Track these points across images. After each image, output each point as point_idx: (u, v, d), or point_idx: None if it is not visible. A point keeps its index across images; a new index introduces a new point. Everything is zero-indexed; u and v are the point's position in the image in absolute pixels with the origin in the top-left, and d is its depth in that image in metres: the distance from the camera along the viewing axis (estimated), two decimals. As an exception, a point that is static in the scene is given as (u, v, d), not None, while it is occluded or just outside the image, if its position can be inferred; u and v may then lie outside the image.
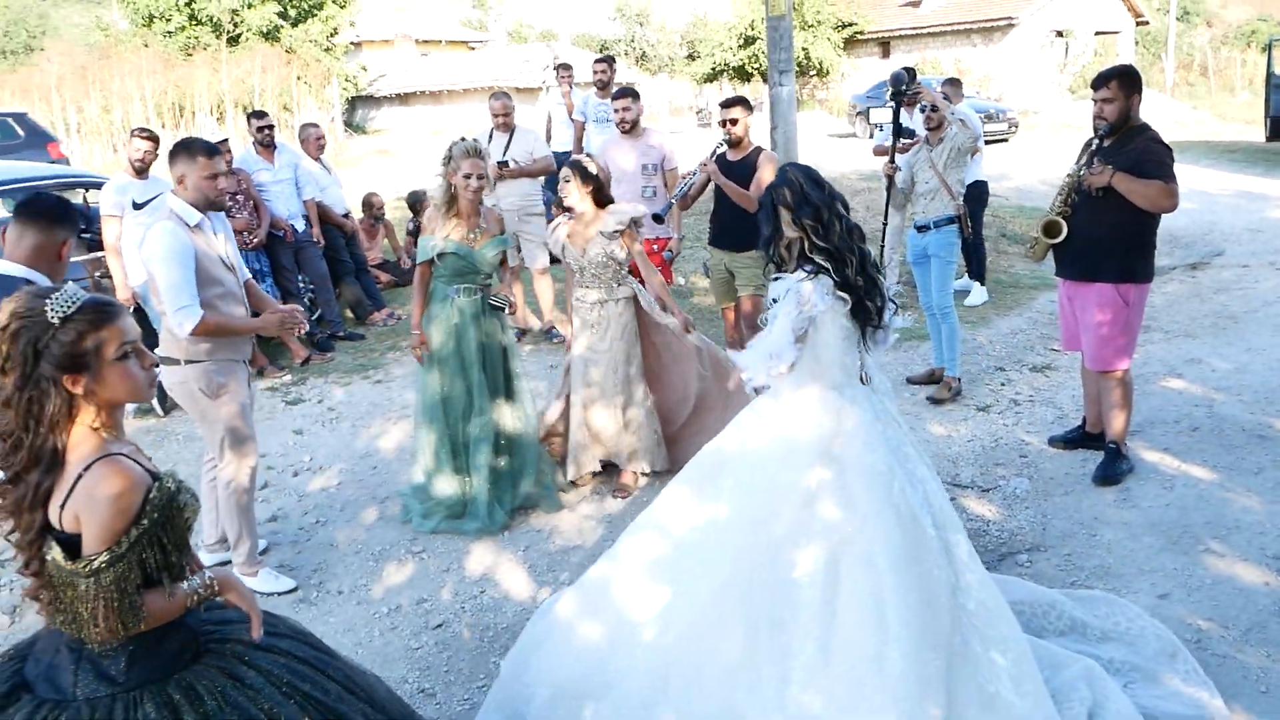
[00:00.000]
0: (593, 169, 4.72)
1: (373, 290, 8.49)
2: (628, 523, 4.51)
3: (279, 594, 4.12)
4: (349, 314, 8.24)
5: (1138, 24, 34.73)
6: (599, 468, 4.98)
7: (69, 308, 1.89)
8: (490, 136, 7.12)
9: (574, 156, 4.85)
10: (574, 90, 9.47)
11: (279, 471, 5.41)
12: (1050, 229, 4.67)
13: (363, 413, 6.25)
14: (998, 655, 2.78)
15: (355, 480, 5.27)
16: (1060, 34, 31.38)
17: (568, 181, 4.71)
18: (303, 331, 4.01)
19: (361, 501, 5.00)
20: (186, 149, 3.80)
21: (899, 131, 6.34)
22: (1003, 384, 6.28)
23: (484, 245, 4.58)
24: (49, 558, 1.91)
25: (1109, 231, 4.48)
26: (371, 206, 9.33)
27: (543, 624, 3.36)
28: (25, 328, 1.86)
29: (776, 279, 3.10)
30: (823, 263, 2.97)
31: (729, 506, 2.99)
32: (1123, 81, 4.44)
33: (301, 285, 7.59)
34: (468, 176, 4.44)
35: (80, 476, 1.87)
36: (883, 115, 6.08)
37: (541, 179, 7.40)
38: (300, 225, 7.46)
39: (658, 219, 5.61)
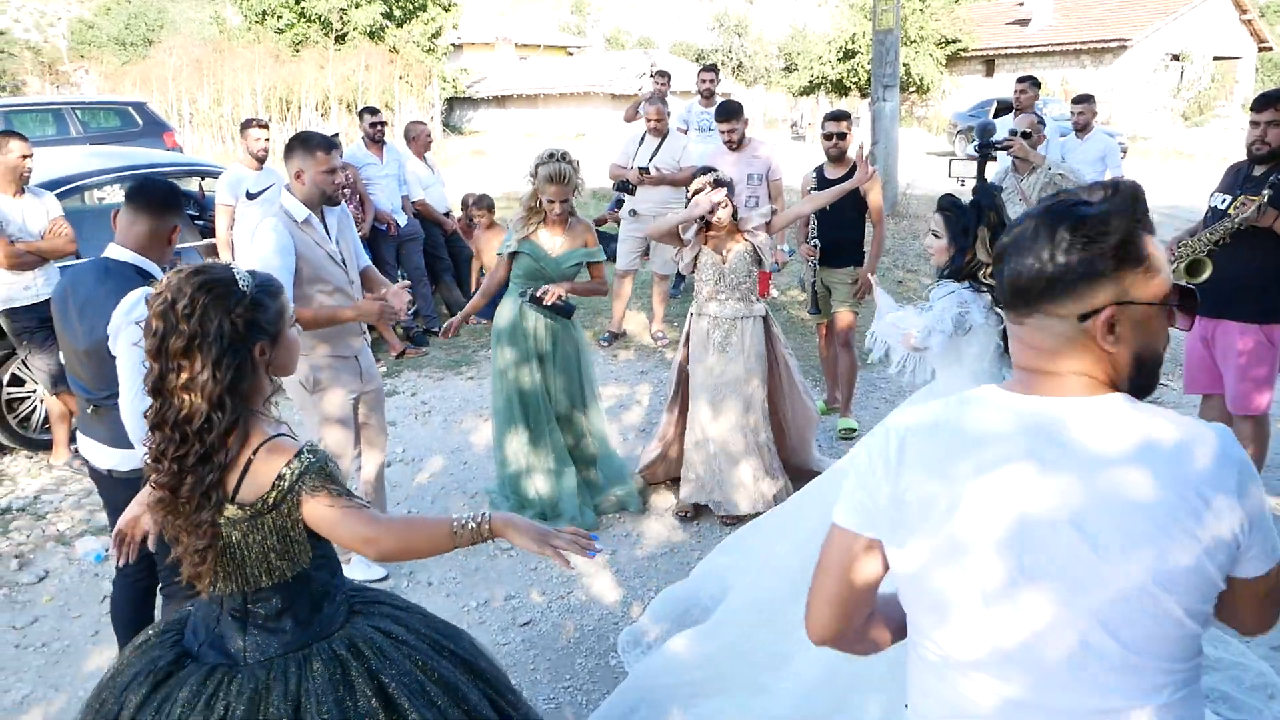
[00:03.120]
0: (725, 179, 4.56)
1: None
2: (716, 531, 4.52)
3: (370, 582, 4.20)
4: (444, 310, 8.37)
5: (1260, 49, 33.43)
6: (712, 504, 4.66)
7: (252, 278, 1.92)
8: (642, 139, 7.19)
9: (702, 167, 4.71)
10: (672, 97, 9.45)
11: (373, 461, 5.52)
12: (1194, 269, 4.33)
13: (454, 408, 6.34)
14: None
15: (446, 474, 5.34)
16: (1176, 58, 30.39)
17: (722, 203, 4.43)
18: (402, 317, 4.01)
19: (452, 495, 5.07)
20: (304, 144, 3.76)
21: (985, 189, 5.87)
22: (1105, 415, 6.06)
23: (564, 253, 4.53)
24: (222, 520, 1.90)
25: (1258, 268, 4.19)
26: (468, 206, 9.47)
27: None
28: (216, 300, 1.85)
29: (940, 283, 3.29)
30: (992, 283, 3.12)
31: None
32: None
33: (400, 279, 7.74)
34: (550, 201, 4.39)
35: (250, 461, 1.89)
36: (965, 168, 5.48)
37: (667, 189, 7.28)
38: (402, 220, 7.62)
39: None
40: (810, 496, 3.56)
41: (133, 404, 2.80)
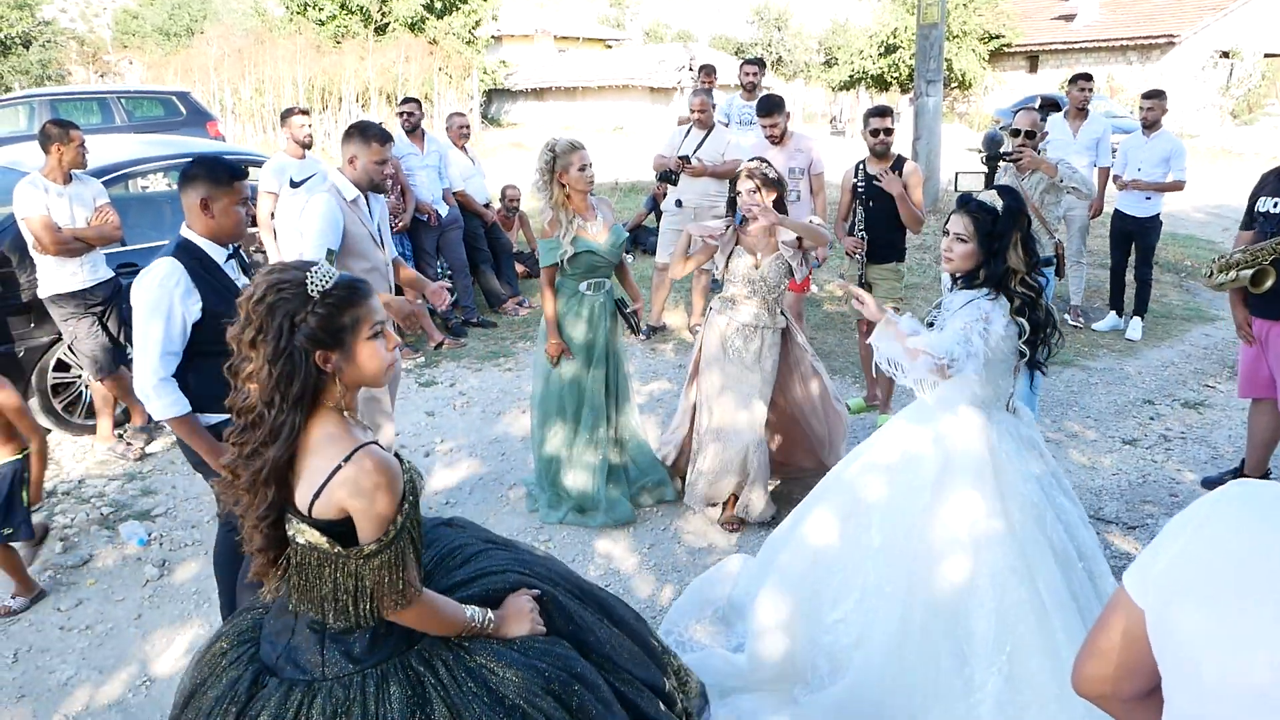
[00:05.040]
0: (773, 174, 4.36)
1: (512, 278, 8.62)
2: (753, 528, 4.49)
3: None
4: (483, 300, 8.39)
5: (1313, 47, 32.66)
6: (717, 504, 4.65)
7: (328, 282, 1.85)
8: (688, 132, 7.17)
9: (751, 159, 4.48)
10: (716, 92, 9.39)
11: (411, 451, 5.54)
12: (1259, 279, 4.26)
13: (493, 399, 6.35)
14: None
15: (484, 465, 5.34)
16: (1226, 54, 29.72)
17: (755, 192, 4.27)
18: (443, 305, 4.16)
19: (490, 486, 5.07)
20: (362, 133, 4.01)
21: None
22: (1151, 418, 5.96)
23: (609, 237, 4.50)
24: (301, 541, 1.87)
25: None
26: (507, 198, 9.49)
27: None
28: (283, 300, 1.82)
29: (957, 290, 3.13)
30: (1025, 293, 3.03)
31: (891, 539, 3.05)
32: None
33: (440, 270, 7.77)
34: (582, 168, 4.31)
35: (339, 467, 1.82)
36: (972, 181, 5.18)
37: (710, 180, 7.19)
38: (443, 210, 7.64)
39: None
40: (812, 508, 3.44)
41: (137, 364, 3.04)
